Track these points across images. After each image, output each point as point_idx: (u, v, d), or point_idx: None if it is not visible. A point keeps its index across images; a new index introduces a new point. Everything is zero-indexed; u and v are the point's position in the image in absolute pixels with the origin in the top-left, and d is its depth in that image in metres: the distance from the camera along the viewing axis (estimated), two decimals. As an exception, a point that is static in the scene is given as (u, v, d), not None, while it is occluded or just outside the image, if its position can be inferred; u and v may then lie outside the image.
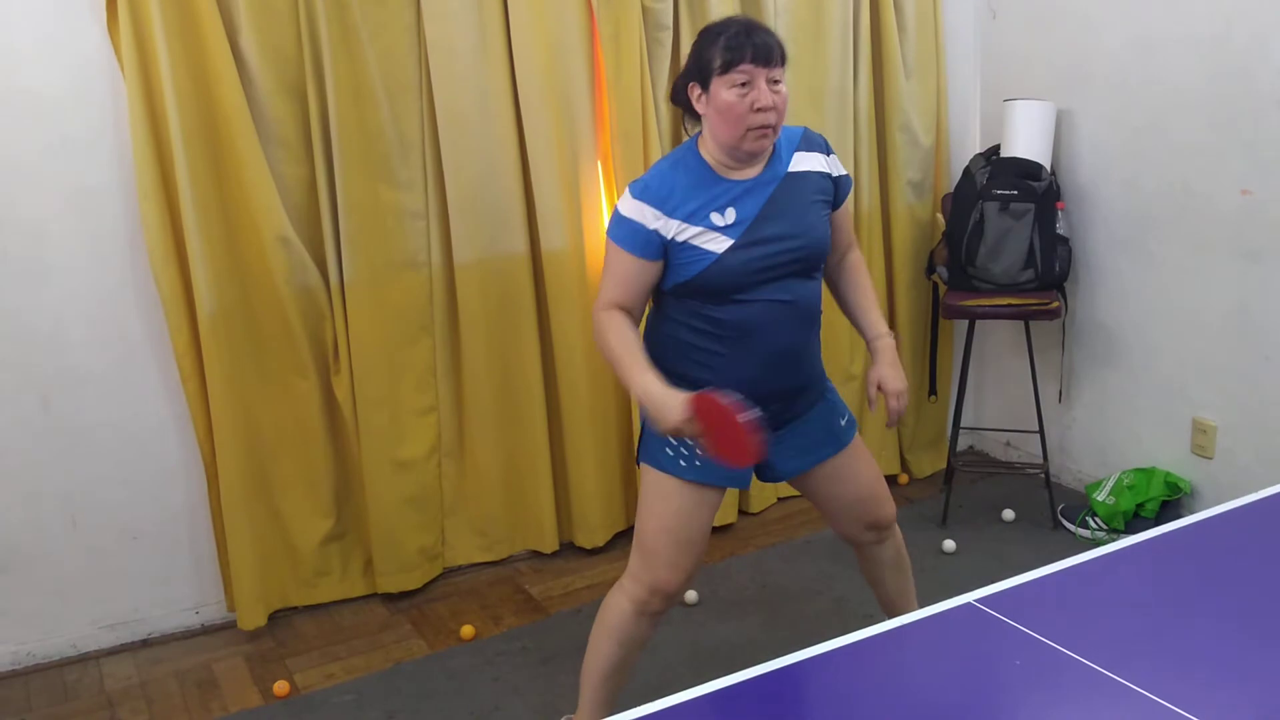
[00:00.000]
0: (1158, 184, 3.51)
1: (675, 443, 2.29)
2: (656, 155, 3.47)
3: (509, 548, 3.66)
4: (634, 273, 2.22)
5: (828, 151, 2.33)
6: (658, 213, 2.18)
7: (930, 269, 3.94)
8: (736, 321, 2.23)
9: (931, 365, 4.19)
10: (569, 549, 3.72)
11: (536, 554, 3.69)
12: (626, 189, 2.25)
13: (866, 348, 2.43)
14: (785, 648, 1.60)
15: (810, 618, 3.20)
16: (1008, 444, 4.30)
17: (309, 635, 3.28)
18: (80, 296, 3.01)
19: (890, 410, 2.35)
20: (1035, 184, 3.60)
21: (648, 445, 2.36)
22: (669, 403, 2.10)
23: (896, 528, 2.60)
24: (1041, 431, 3.77)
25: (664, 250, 2.20)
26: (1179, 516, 3.47)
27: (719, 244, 2.17)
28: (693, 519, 2.34)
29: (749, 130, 2.12)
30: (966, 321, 3.83)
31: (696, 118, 2.24)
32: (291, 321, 3.18)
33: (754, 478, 2.47)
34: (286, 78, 3.07)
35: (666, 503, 2.33)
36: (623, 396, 3.65)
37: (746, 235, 2.18)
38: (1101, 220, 3.72)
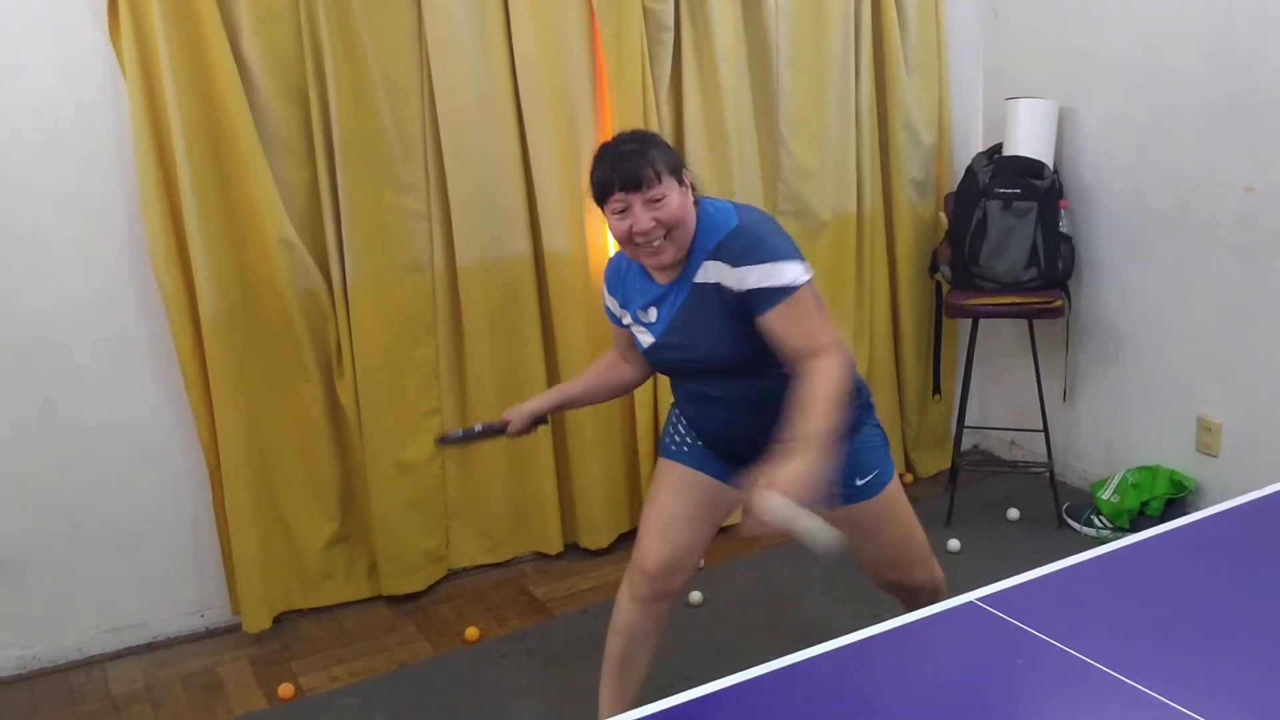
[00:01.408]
0: (1161, 181, 3.50)
1: (673, 433, 2.42)
2: (658, 156, 3.47)
3: (513, 549, 3.66)
4: (613, 329, 2.46)
5: (738, 262, 2.09)
6: (611, 297, 2.38)
7: (933, 268, 3.93)
8: (687, 396, 2.37)
9: (935, 364, 4.18)
10: (573, 550, 3.72)
11: (541, 555, 3.69)
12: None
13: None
14: (788, 648, 1.60)
15: (813, 618, 3.20)
16: (1012, 443, 4.29)
17: (314, 638, 3.29)
18: (83, 300, 3.02)
19: (744, 523, 1.91)
20: (1038, 182, 3.59)
21: (661, 438, 2.49)
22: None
23: (937, 586, 2.50)
24: (1046, 430, 3.76)
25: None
26: (1184, 515, 3.47)
27: (646, 338, 2.29)
28: (676, 500, 2.37)
29: (638, 248, 2.15)
30: (970, 320, 3.83)
31: None
32: (294, 324, 3.18)
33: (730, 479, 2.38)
34: (288, 81, 3.07)
35: (660, 484, 2.41)
36: (626, 398, 3.64)
37: (662, 338, 2.25)
38: (1105, 218, 3.71)
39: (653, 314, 2.25)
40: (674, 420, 2.45)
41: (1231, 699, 1.41)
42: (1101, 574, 1.78)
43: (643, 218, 2.09)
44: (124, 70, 2.91)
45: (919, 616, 1.67)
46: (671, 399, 2.47)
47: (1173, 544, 1.87)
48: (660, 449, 2.48)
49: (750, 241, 2.11)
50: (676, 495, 2.38)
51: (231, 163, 3.04)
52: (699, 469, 2.38)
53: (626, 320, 2.33)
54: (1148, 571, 1.79)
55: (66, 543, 3.11)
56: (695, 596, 3.32)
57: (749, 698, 1.50)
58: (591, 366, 2.59)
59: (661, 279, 2.23)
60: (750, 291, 2.08)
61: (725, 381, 2.25)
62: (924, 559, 2.48)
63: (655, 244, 2.12)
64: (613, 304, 2.38)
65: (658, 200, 2.10)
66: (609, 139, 2.23)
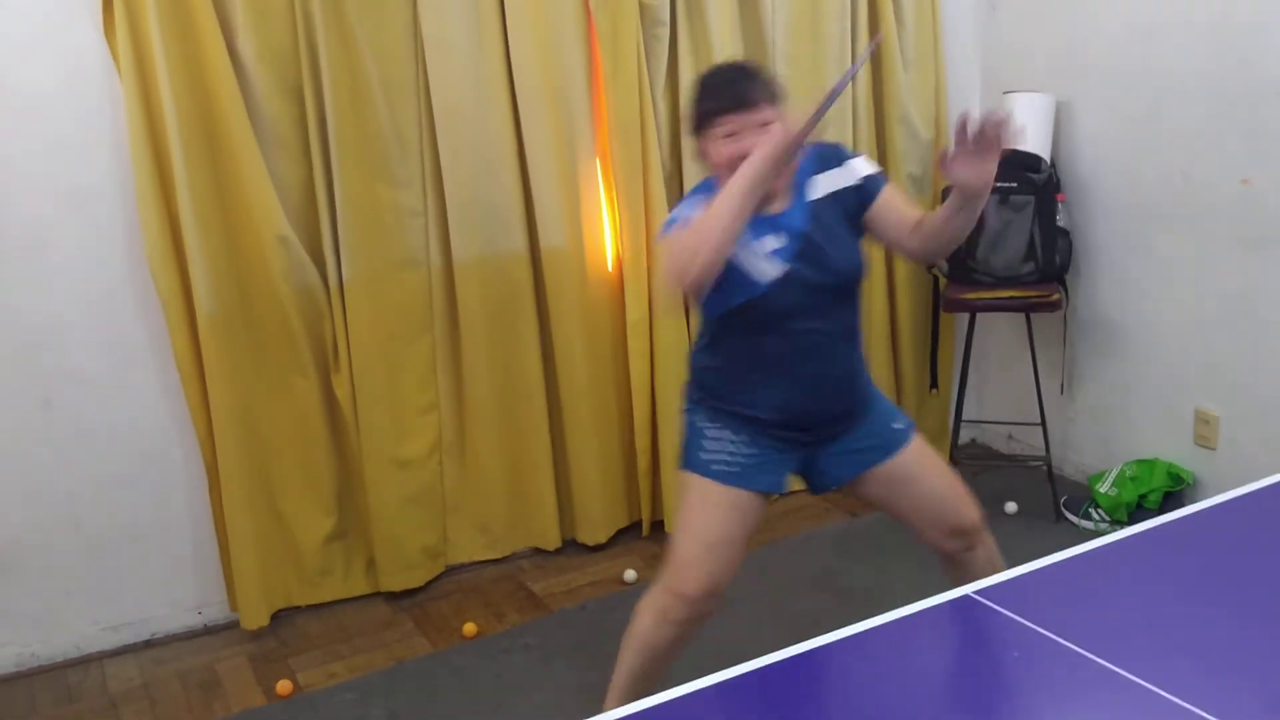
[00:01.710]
0: (1157, 174, 3.50)
1: (712, 448, 2.28)
2: (655, 152, 3.47)
3: (511, 545, 3.66)
4: None
5: (842, 160, 2.27)
6: None
7: (930, 263, 3.93)
8: (781, 350, 2.23)
9: (933, 359, 4.18)
10: (571, 546, 3.72)
11: (539, 551, 3.69)
12: (677, 211, 2.24)
13: (957, 195, 2.06)
14: (787, 641, 1.60)
15: (812, 611, 3.20)
16: (1010, 436, 4.29)
17: (312, 634, 3.28)
18: (79, 298, 3.01)
19: (996, 121, 1.92)
20: (1035, 176, 3.59)
21: (687, 450, 2.35)
22: (757, 154, 2.00)
23: (988, 536, 2.48)
24: (1044, 424, 3.76)
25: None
26: (1182, 508, 3.47)
27: (769, 269, 2.17)
28: (721, 523, 2.28)
29: None
30: (967, 315, 3.82)
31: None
32: (291, 321, 3.18)
33: (782, 488, 2.38)
34: (284, 77, 3.07)
35: (698, 506, 2.30)
36: (624, 393, 3.64)
37: (794, 261, 2.18)
38: (1102, 211, 3.71)
39: (773, 241, 2.17)
40: (714, 435, 2.30)
41: (1227, 690, 1.41)
42: (1098, 567, 1.78)
43: (754, 140, 2.08)
44: (119, 68, 2.90)
45: (916, 609, 1.67)
46: (694, 415, 2.34)
47: (1169, 537, 1.87)
48: (695, 467, 2.32)
49: (836, 144, 2.33)
50: (722, 519, 2.29)
51: (227, 160, 3.03)
52: (748, 487, 2.29)
53: (737, 253, 2.13)
54: (1144, 564, 1.79)
55: (64, 540, 3.11)
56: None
57: (747, 691, 1.50)
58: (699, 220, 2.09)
59: (769, 209, 2.19)
60: (866, 178, 2.25)
61: (835, 310, 2.25)
62: (967, 492, 2.46)
63: None
64: None
65: (766, 125, 2.10)
66: (710, 69, 2.25)
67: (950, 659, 1.58)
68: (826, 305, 2.23)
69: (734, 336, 2.27)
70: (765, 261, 2.17)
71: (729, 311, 2.22)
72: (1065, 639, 1.54)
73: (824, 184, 2.24)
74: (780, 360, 2.24)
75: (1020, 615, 1.62)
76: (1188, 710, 1.37)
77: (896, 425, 2.39)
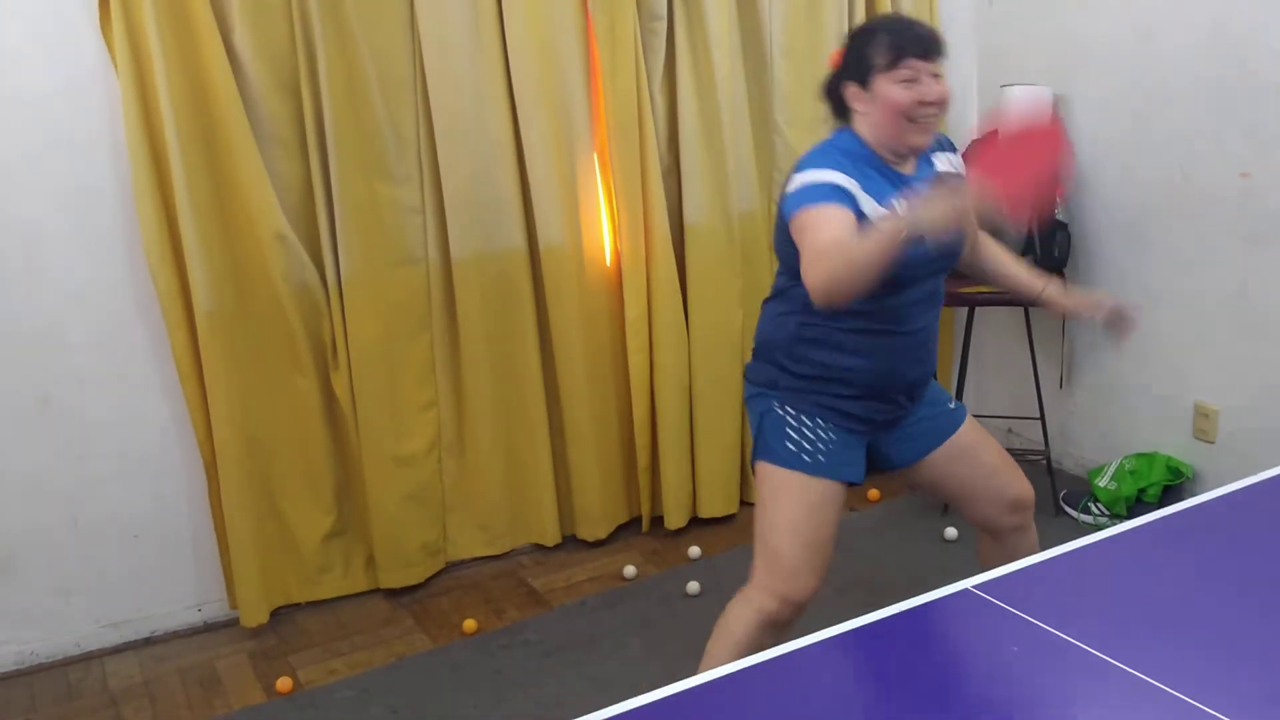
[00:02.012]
0: (1156, 168, 3.49)
1: (797, 437, 2.21)
2: (652, 145, 3.46)
3: (511, 541, 3.66)
4: (849, 221, 1.99)
5: (955, 149, 2.35)
6: (852, 180, 2.06)
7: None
8: (891, 310, 2.17)
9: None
10: (571, 541, 3.71)
11: (539, 547, 3.69)
12: (801, 167, 2.10)
13: (1037, 300, 2.43)
14: (785, 636, 1.60)
15: (811, 606, 3.19)
16: (1009, 430, 4.29)
17: (312, 631, 3.29)
18: (78, 296, 3.01)
19: (1128, 316, 2.34)
20: (1033, 170, 3.58)
21: (767, 442, 2.26)
22: (926, 198, 1.85)
23: (1033, 519, 2.47)
24: (1043, 418, 3.76)
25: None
26: (1181, 501, 3.47)
27: None
28: (823, 517, 2.23)
29: (913, 123, 2.09)
30: (966, 309, 3.82)
31: (839, 116, 2.23)
32: (290, 319, 3.18)
33: (862, 478, 2.33)
34: (281, 75, 3.06)
35: (794, 502, 2.22)
36: (623, 389, 3.64)
37: None
38: (1100, 205, 3.71)
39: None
40: (797, 422, 2.23)
41: (1229, 684, 1.41)
42: (1098, 560, 1.78)
43: (933, 87, 2.08)
44: (116, 66, 2.90)
45: (915, 604, 1.67)
46: (770, 400, 2.26)
47: (1169, 530, 1.87)
48: (782, 459, 2.23)
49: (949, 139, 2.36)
50: (822, 516, 2.23)
51: (225, 157, 3.03)
52: (836, 477, 2.24)
53: (869, 208, 2.06)
54: (1143, 558, 1.79)
55: (64, 538, 3.11)
56: (692, 587, 3.32)
57: (748, 685, 1.50)
58: (847, 237, 1.97)
59: (906, 168, 2.19)
60: (962, 175, 2.22)
61: (939, 274, 2.25)
62: (1019, 468, 2.47)
63: (934, 118, 2.11)
64: (854, 189, 2.05)
65: (938, 76, 2.10)
66: (878, 16, 2.25)
67: (949, 653, 1.57)
68: (937, 269, 2.22)
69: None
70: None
71: None
72: (1063, 632, 1.54)
73: (941, 163, 2.28)
74: (890, 318, 2.17)
75: (1019, 609, 1.61)
76: (1187, 704, 1.37)
77: (950, 405, 2.42)
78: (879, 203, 2.07)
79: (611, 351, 3.62)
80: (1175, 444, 3.61)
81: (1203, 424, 3.51)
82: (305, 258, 3.16)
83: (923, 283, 2.21)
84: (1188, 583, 1.69)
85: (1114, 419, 3.83)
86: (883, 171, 2.15)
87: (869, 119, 2.14)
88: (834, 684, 1.54)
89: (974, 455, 2.40)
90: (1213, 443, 3.49)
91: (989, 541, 2.50)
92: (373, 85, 3.14)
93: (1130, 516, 3.50)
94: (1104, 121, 3.64)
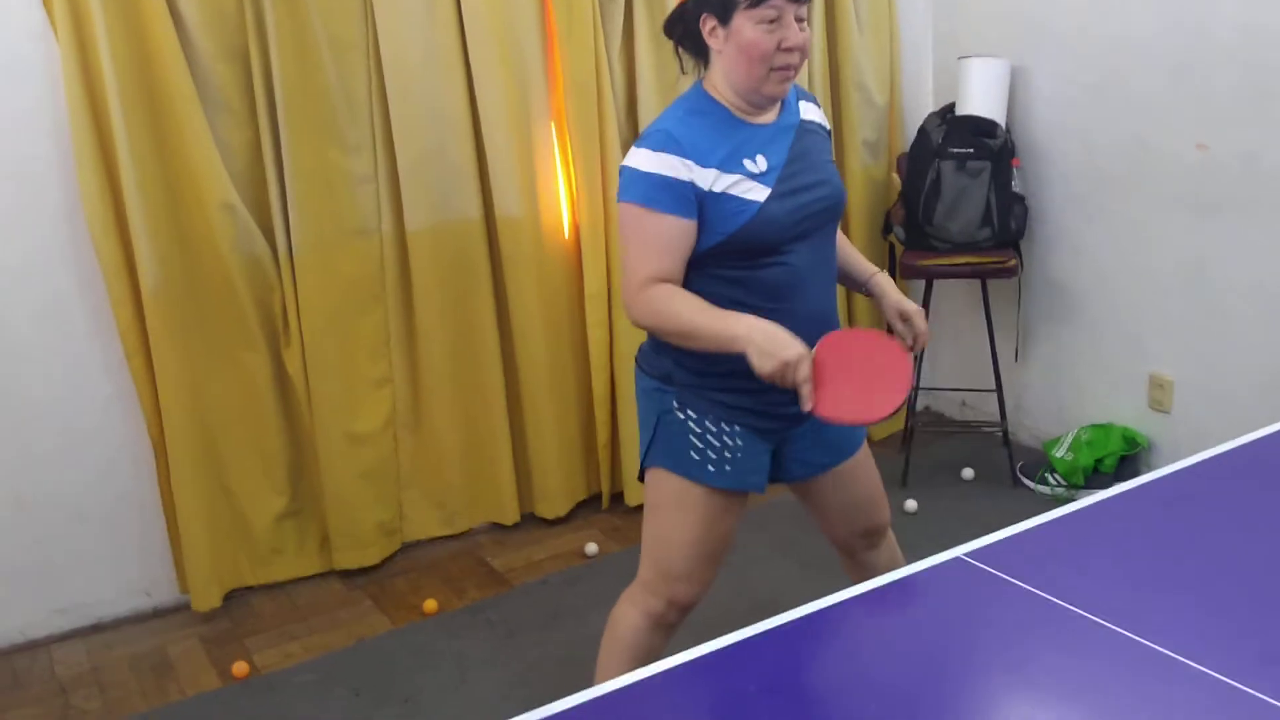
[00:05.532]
0: (1113, 140, 3.51)
1: (701, 445, 2.06)
2: (611, 114, 3.40)
3: (469, 520, 3.60)
4: (676, 235, 1.94)
5: (817, 103, 2.19)
6: (688, 162, 1.93)
7: (887, 229, 3.92)
8: (773, 282, 2.01)
9: (889, 326, 4.16)
10: (530, 520, 3.66)
11: (497, 526, 3.63)
12: (637, 146, 1.98)
13: (863, 289, 2.27)
14: (756, 615, 1.57)
15: (776, 580, 3.18)
16: (964, 403, 4.30)
17: (266, 615, 3.20)
18: (19, 271, 2.90)
19: (921, 334, 2.20)
20: (991, 141, 3.58)
21: (667, 447, 2.10)
22: (783, 337, 1.84)
23: (890, 531, 2.41)
24: (999, 390, 3.77)
25: (699, 206, 1.95)
26: (1137, 471, 3.51)
27: (758, 193, 1.95)
28: (725, 528, 2.14)
29: (773, 70, 1.93)
30: (924, 281, 3.82)
31: (696, 54, 2.06)
32: (239, 292, 3.08)
33: (764, 488, 2.19)
34: (227, 39, 2.96)
35: (696, 516, 2.10)
36: (582, 364, 3.59)
37: (781, 183, 1.97)
38: (1058, 177, 3.72)
39: (762, 161, 1.98)
40: (699, 426, 2.07)
41: (1222, 643, 1.42)
42: (1085, 527, 1.78)
43: (795, 32, 1.92)
44: (56, 33, 2.78)
45: (907, 573, 1.65)
46: (668, 399, 2.09)
47: (1155, 496, 1.88)
48: (679, 469, 2.09)
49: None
50: (724, 528, 2.14)
51: (170, 124, 2.92)
52: (742, 487, 2.11)
53: (720, 185, 1.94)
54: (1128, 523, 1.79)
55: (5, 521, 2.99)
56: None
57: (740, 661, 1.46)
58: (679, 295, 1.96)
59: (760, 119, 2.02)
60: (829, 132, 2.20)
61: (822, 238, 2.07)
62: (885, 495, 2.39)
63: (793, 68, 1.95)
64: (691, 175, 1.93)
65: (803, 20, 1.94)
66: None
67: (942, 620, 1.56)
68: (816, 231, 2.05)
69: (722, 271, 2.00)
70: (750, 187, 1.96)
71: (722, 243, 1.97)
72: (1056, 597, 1.53)
73: (810, 112, 2.13)
74: (775, 292, 2.01)
75: (1010, 575, 1.60)
76: (1181, 663, 1.37)
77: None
78: (724, 170, 1.95)
79: (570, 326, 3.56)
80: (1131, 414, 3.64)
81: (1158, 395, 3.54)
82: (255, 228, 3.07)
83: (801, 246, 2.02)
84: (1176, 547, 1.70)
85: (1070, 390, 3.85)
86: (737, 129, 2.00)
87: (723, 61, 1.98)
88: (830, 656, 1.52)
89: (857, 483, 2.28)
90: (1168, 413, 3.53)
91: (844, 558, 2.43)
92: (323, 47, 3.04)
93: (1087, 487, 3.54)
94: (1061, 92, 3.64)
